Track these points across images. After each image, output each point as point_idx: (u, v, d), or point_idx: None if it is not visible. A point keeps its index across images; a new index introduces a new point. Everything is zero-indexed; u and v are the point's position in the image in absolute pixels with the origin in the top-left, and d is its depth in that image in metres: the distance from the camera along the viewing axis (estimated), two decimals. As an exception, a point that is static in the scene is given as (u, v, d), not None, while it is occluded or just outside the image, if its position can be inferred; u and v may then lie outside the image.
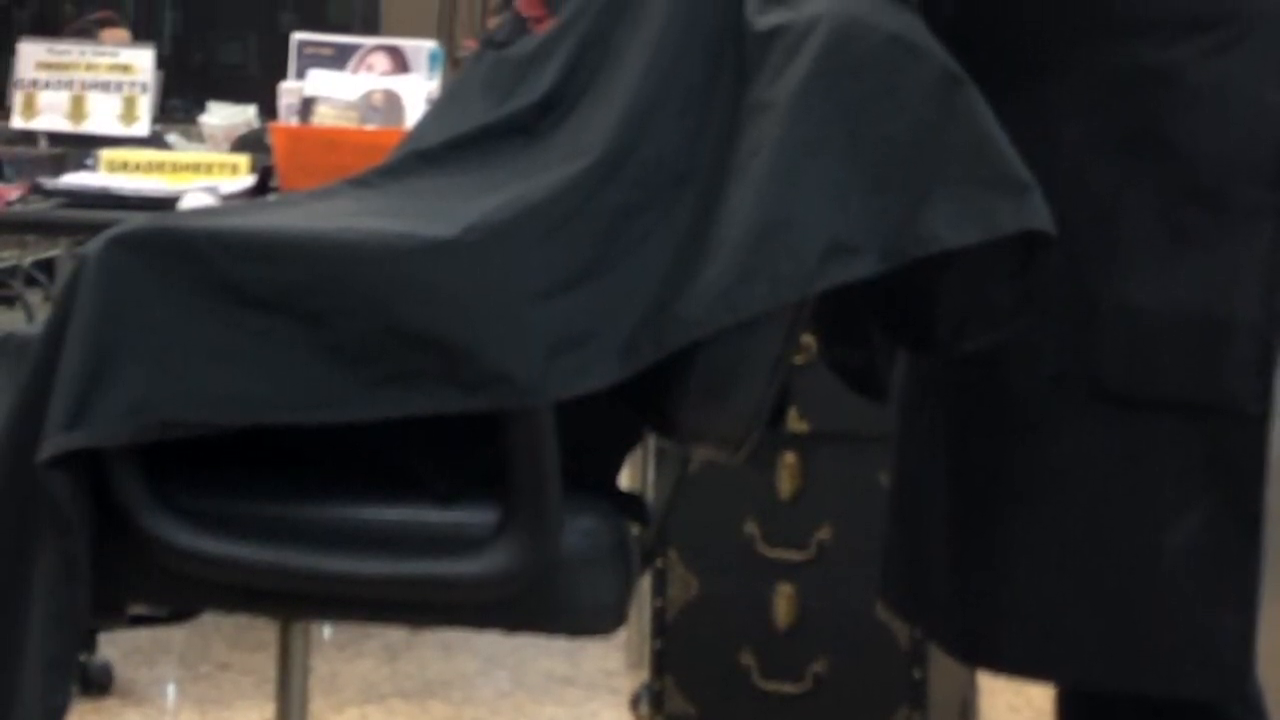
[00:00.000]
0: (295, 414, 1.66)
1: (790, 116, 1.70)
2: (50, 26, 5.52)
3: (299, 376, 1.66)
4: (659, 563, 3.35)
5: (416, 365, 1.65)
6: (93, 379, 1.64)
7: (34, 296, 7.31)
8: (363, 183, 1.89)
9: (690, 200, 1.74)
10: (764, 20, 1.79)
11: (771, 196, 1.69)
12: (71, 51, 5.31)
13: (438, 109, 2.02)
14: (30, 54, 5.30)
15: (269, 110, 4.65)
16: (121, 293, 1.66)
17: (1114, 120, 1.92)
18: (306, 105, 3.97)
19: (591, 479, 1.86)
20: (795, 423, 3.30)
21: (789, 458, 3.34)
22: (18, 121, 5.26)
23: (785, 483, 3.35)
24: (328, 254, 1.69)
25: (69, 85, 5.24)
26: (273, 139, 3.83)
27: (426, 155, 1.88)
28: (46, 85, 5.23)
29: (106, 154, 4.06)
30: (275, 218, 1.88)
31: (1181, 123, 1.90)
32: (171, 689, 4.04)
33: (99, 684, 3.78)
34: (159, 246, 1.69)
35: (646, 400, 1.79)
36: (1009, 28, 1.98)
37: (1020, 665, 1.99)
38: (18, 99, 5.29)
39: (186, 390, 1.66)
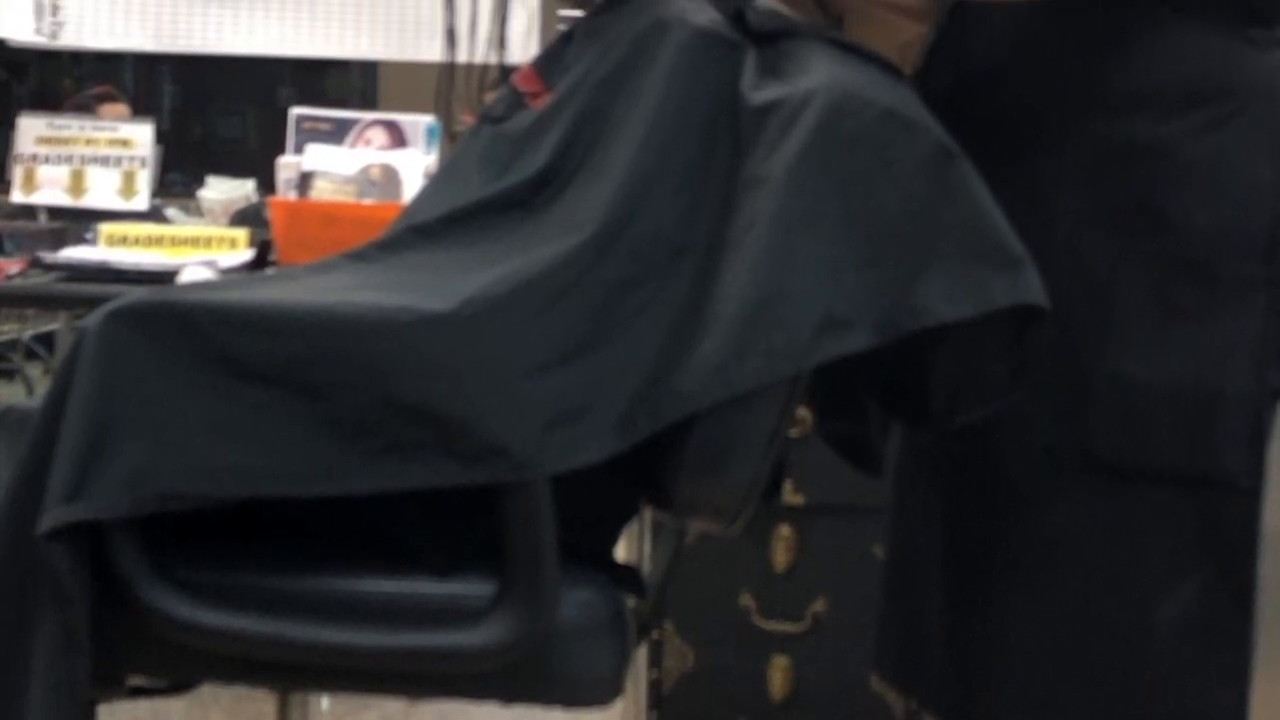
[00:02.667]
0: (294, 486, 1.66)
1: (785, 191, 1.72)
2: (50, 101, 5.54)
3: (298, 449, 1.66)
4: (655, 634, 3.35)
5: (414, 438, 1.65)
6: (92, 451, 1.65)
7: (34, 370, 7.33)
8: (360, 257, 1.89)
9: (686, 275, 1.75)
10: (759, 95, 1.80)
11: (766, 271, 1.70)
12: (71, 126, 5.34)
13: (435, 183, 2.03)
14: (30, 128, 5.33)
15: (267, 184, 4.67)
16: (121, 366, 1.67)
17: (1108, 194, 1.93)
18: (305, 179, 3.98)
19: (588, 551, 1.87)
20: (790, 495, 3.30)
21: (784, 530, 3.35)
22: (18, 195, 5.29)
23: (780, 555, 3.35)
24: (326, 327, 1.70)
25: (68, 160, 5.27)
26: (271, 213, 3.84)
27: (423, 230, 1.89)
28: (46, 160, 5.26)
29: (106, 228, 4.07)
30: (274, 291, 1.89)
31: (1175, 198, 1.91)
32: (169, 761, 4.04)
33: (96, 756, 3.77)
34: (158, 320, 1.69)
35: (642, 473, 1.79)
36: (1004, 101, 1.99)
37: None
38: (17, 173, 5.32)
39: (185, 463, 1.66)
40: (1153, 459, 1.92)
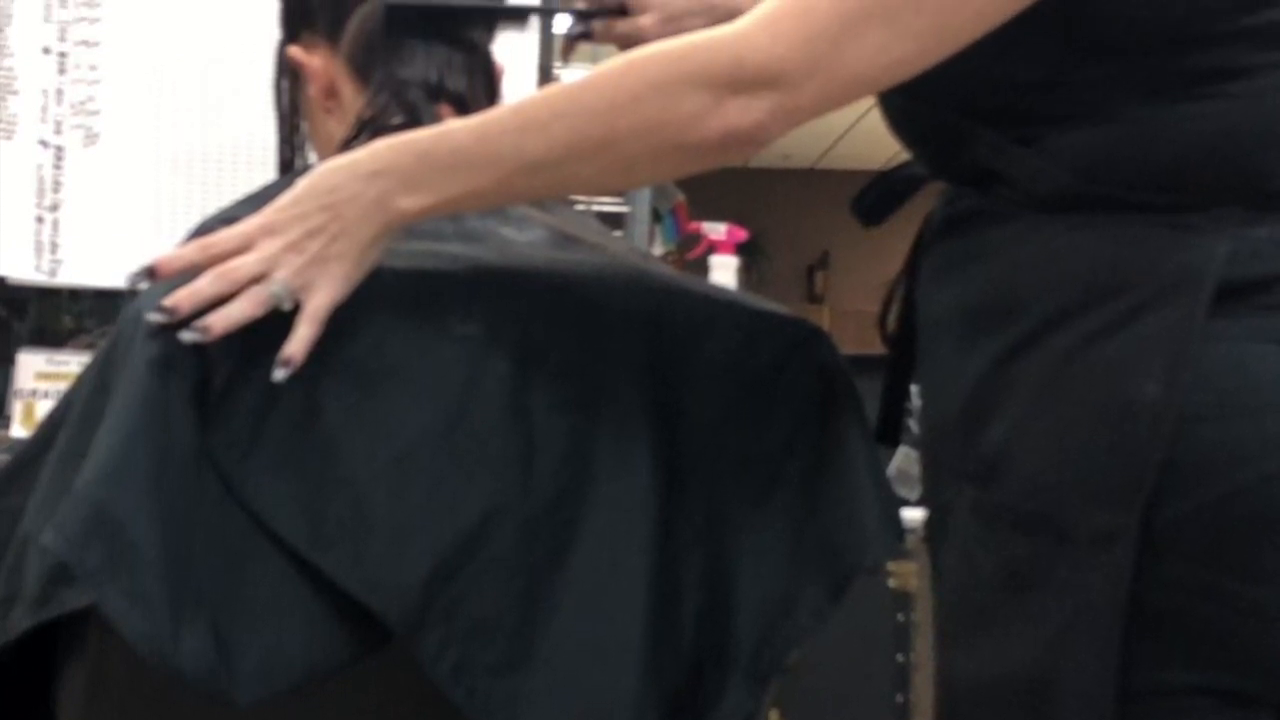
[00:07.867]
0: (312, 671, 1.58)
1: None
2: (49, 338, 5.64)
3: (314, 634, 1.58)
4: None
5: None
6: None
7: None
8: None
9: None
10: None
11: None
12: (70, 362, 5.38)
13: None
14: (29, 364, 5.36)
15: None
16: None
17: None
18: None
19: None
20: (776, 722, 3.34)
21: (772, 755, 3.38)
22: (17, 430, 5.32)
23: (770, 780, 3.38)
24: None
25: (68, 395, 5.32)
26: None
27: None
28: (46, 395, 5.28)
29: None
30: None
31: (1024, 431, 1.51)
32: None
33: None
34: None
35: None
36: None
37: None
38: (17, 409, 5.33)
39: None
40: None
